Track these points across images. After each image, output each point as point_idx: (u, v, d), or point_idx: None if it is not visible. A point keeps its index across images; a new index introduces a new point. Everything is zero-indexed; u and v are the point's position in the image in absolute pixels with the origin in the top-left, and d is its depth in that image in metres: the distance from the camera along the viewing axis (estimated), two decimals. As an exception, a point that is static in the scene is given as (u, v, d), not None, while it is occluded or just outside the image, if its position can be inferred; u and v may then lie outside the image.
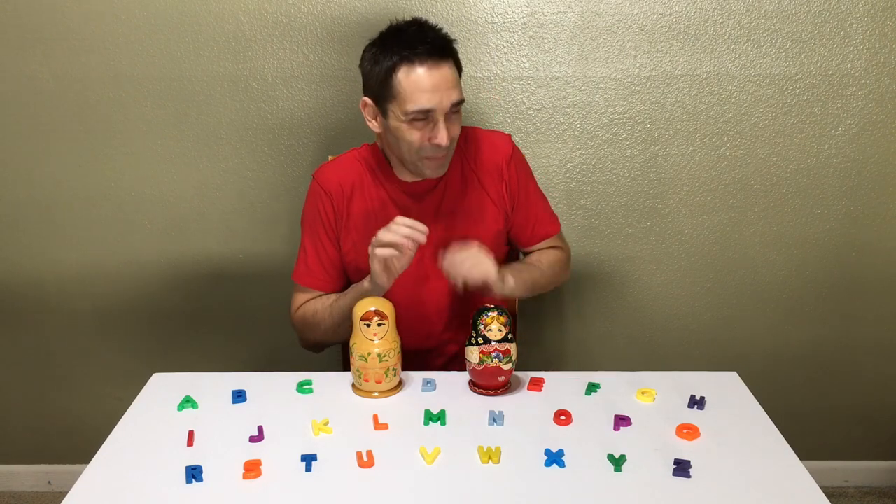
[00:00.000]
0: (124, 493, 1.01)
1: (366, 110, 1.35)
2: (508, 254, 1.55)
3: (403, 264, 1.26)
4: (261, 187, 1.87)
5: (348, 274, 1.46)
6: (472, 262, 1.28)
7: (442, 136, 1.26)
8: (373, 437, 1.14)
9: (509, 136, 1.47)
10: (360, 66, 1.33)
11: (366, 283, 1.32)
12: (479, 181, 1.43)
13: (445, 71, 1.24)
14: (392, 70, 1.24)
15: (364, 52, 1.32)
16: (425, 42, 1.23)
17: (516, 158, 1.45)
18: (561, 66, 1.79)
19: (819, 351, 2.03)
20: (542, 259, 1.48)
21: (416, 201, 1.41)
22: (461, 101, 1.28)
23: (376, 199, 1.41)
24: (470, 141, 1.43)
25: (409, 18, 1.31)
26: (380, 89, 1.28)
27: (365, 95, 1.33)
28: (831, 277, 1.95)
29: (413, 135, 1.27)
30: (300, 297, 1.46)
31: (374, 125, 1.35)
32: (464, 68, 1.36)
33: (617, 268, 1.95)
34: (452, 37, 1.30)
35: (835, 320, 2.00)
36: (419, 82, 1.22)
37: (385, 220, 1.25)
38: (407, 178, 1.40)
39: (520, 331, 1.64)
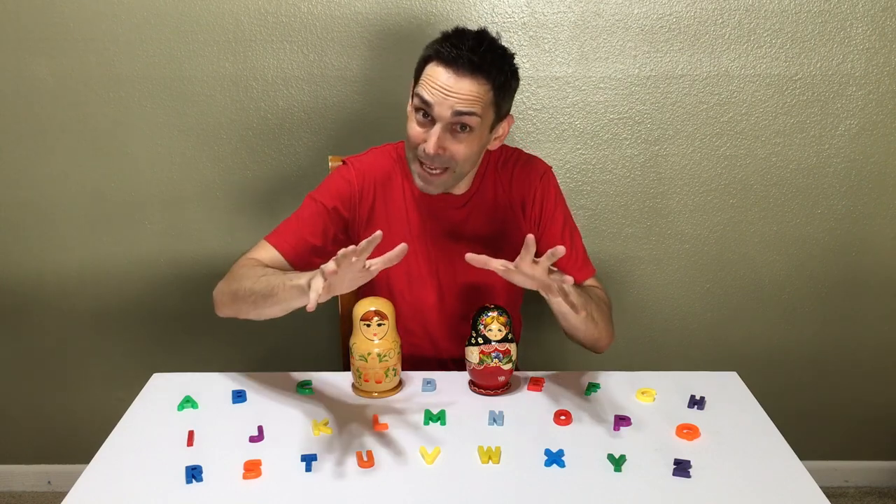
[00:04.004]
0: (124, 493, 1.01)
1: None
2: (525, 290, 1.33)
3: (343, 284, 1.11)
4: (261, 187, 1.87)
5: None
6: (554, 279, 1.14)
7: (430, 143, 1.22)
8: (373, 437, 1.14)
9: (549, 166, 1.42)
10: None
11: (302, 279, 1.15)
12: (510, 206, 1.39)
13: (466, 83, 1.20)
14: (428, 59, 1.24)
15: None
16: (469, 50, 1.20)
17: (545, 185, 1.40)
18: (561, 66, 1.79)
19: (819, 351, 2.03)
20: (588, 291, 1.34)
21: (439, 213, 1.37)
22: (465, 114, 1.20)
23: (401, 203, 1.38)
24: (509, 161, 1.41)
25: (480, 27, 1.27)
26: (416, 72, 1.27)
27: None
28: (831, 277, 1.95)
29: (413, 127, 1.25)
30: (251, 253, 1.36)
31: (409, 107, 1.31)
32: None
33: (617, 268, 1.95)
34: (511, 62, 1.25)
35: (835, 320, 2.00)
36: (437, 76, 1.21)
37: (405, 226, 1.26)
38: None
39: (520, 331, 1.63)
